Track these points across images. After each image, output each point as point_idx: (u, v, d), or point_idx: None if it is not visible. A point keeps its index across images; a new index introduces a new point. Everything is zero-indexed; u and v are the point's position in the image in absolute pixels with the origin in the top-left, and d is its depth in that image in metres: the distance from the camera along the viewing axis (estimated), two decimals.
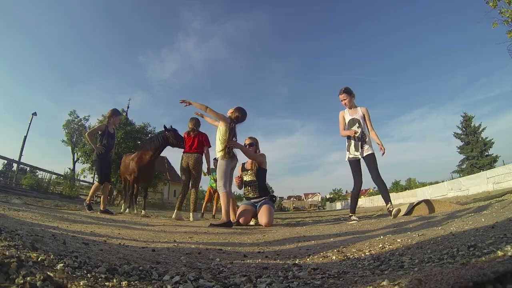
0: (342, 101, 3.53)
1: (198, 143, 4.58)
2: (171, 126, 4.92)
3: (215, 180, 4.79)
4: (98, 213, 4.29)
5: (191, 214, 4.63)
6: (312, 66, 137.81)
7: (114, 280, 0.62)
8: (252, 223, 3.74)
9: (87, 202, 4.71)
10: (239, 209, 3.78)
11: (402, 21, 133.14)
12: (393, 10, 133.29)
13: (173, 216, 4.51)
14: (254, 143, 4.01)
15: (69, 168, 24.33)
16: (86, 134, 5.00)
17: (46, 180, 12.10)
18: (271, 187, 68.68)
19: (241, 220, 3.52)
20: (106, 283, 0.59)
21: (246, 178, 3.86)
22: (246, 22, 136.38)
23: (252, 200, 3.77)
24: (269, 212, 3.48)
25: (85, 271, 0.64)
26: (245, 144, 3.98)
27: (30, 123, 15.65)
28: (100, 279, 0.61)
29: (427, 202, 3.51)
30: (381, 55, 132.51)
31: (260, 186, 3.79)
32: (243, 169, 3.99)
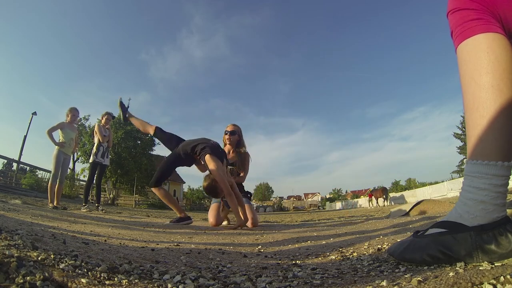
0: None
1: None
2: None
3: None
4: (167, 222, 3.28)
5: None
6: (314, 64, 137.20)
7: (115, 279, 0.62)
8: (224, 223, 3.44)
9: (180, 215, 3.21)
10: (210, 209, 3.28)
11: (405, 19, 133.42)
12: (395, 8, 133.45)
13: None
14: (237, 132, 3.51)
15: (69, 168, 24.35)
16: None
17: (46, 180, 12.11)
18: (271, 187, 68.69)
19: (213, 222, 3.11)
20: (107, 282, 0.59)
21: None
22: (251, 19, 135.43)
23: (224, 198, 3.00)
24: (253, 212, 3.19)
25: (85, 270, 0.64)
26: (226, 131, 3.51)
27: (30, 123, 15.70)
28: (100, 278, 0.61)
29: (427, 202, 3.52)
30: (384, 53, 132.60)
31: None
32: None
